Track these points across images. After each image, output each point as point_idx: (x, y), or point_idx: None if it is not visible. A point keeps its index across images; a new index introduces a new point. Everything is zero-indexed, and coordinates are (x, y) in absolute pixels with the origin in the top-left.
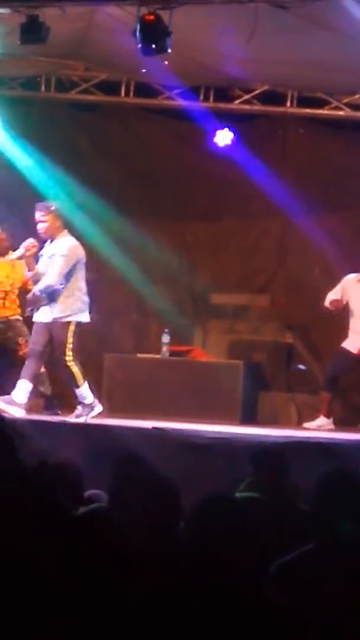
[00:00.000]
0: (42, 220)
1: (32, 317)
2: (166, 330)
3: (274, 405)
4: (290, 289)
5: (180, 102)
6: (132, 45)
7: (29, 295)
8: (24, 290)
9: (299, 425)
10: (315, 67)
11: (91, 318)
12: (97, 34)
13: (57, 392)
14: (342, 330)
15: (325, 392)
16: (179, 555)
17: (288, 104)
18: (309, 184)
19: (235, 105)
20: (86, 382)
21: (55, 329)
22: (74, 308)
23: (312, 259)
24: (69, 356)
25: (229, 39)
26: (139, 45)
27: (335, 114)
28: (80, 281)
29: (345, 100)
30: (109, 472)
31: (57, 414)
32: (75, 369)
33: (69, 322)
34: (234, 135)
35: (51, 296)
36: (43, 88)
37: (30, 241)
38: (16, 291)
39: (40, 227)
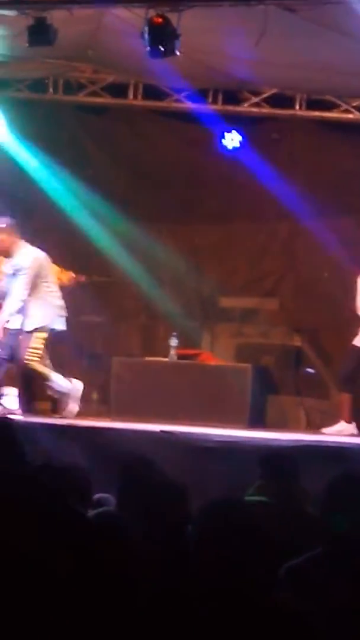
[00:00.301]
0: None
1: None
2: (174, 333)
3: (282, 409)
4: (298, 293)
5: (189, 105)
6: (140, 48)
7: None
8: None
9: (308, 429)
10: (324, 70)
11: (99, 321)
12: (105, 36)
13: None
14: (352, 333)
15: (344, 394)
16: (187, 559)
17: (297, 107)
18: (317, 187)
19: (244, 108)
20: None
21: (24, 338)
22: (45, 317)
23: (320, 262)
24: (32, 360)
25: (238, 41)
26: (147, 48)
27: (344, 117)
28: (50, 286)
29: (354, 104)
30: (117, 476)
31: (66, 417)
32: (39, 367)
33: (35, 330)
34: (242, 138)
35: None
36: (50, 90)
37: None
38: None
39: None
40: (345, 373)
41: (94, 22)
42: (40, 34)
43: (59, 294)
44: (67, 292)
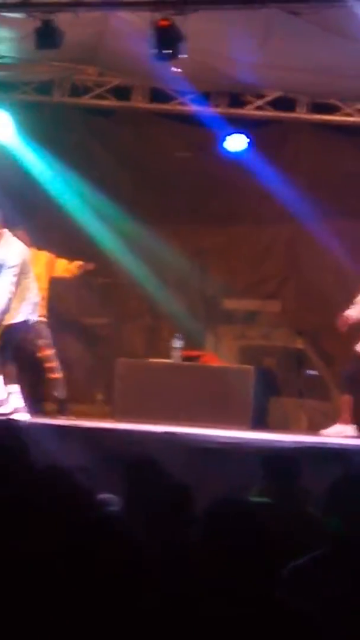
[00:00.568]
0: None
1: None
2: (177, 335)
3: (284, 411)
4: (301, 295)
5: (193, 108)
6: (145, 51)
7: None
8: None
9: (310, 430)
10: (328, 73)
11: (104, 322)
12: (111, 39)
13: (70, 397)
14: (354, 336)
15: (345, 395)
16: (190, 559)
17: (300, 110)
18: (320, 190)
19: (248, 110)
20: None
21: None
22: (22, 314)
23: (323, 264)
24: None
25: (242, 44)
26: (153, 51)
27: (347, 119)
28: (30, 282)
29: (357, 107)
30: (121, 476)
31: (70, 418)
32: None
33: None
34: (246, 141)
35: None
36: (56, 93)
37: None
38: (42, 287)
39: None
40: (347, 374)
41: (100, 25)
42: (47, 36)
43: (36, 290)
44: (73, 293)
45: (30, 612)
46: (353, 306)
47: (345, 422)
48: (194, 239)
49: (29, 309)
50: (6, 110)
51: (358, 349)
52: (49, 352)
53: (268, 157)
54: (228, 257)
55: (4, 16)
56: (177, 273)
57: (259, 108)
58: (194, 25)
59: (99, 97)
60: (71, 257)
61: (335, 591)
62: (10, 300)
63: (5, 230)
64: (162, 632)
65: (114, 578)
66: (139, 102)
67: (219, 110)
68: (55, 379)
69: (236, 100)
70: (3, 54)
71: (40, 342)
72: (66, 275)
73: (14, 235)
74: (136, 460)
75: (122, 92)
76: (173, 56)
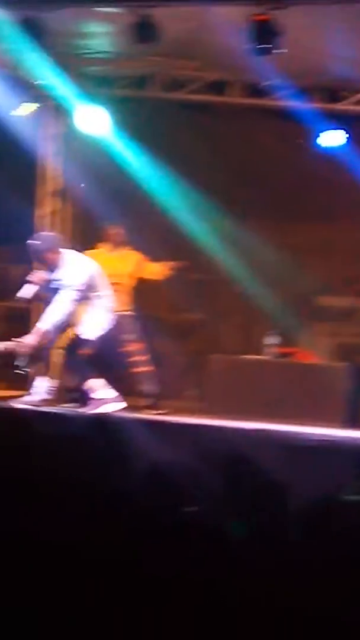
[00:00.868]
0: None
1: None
2: (272, 331)
3: None
4: None
5: (290, 103)
6: (242, 45)
7: None
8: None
9: None
10: None
11: (197, 318)
12: (208, 33)
13: (161, 392)
14: None
15: None
16: (289, 557)
17: None
18: None
19: (344, 105)
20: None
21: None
22: (100, 325)
23: None
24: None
25: (340, 38)
26: (250, 45)
27: None
28: (102, 293)
29: None
30: (216, 473)
31: (162, 414)
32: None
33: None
34: (344, 136)
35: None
36: (153, 88)
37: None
38: (128, 283)
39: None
40: None
41: (197, 19)
42: (144, 31)
43: (111, 300)
44: (167, 288)
45: (132, 611)
46: None
47: None
48: (289, 235)
49: (102, 325)
50: (101, 106)
51: None
52: (135, 346)
53: None
54: (323, 253)
55: (101, 11)
56: (272, 269)
57: (356, 103)
58: (290, 19)
59: (195, 91)
60: (165, 253)
61: None
62: (67, 317)
63: (66, 251)
64: (260, 634)
65: (211, 574)
66: (235, 97)
67: (316, 105)
68: (142, 373)
69: (334, 95)
70: (100, 49)
71: (127, 337)
72: (155, 277)
73: (110, 233)
74: (230, 458)
75: (218, 87)
76: (270, 51)
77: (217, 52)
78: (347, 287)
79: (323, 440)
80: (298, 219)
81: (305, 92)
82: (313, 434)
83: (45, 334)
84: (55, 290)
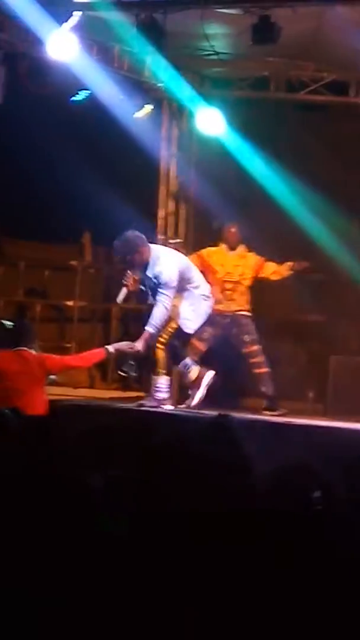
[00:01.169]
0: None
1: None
2: None
3: None
4: None
5: None
6: None
7: None
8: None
9: None
10: None
11: (317, 319)
12: (328, 33)
13: (281, 394)
14: None
15: None
16: None
17: None
18: None
19: None
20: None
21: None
22: (199, 318)
23: None
24: (158, 347)
25: None
26: None
27: None
28: (196, 285)
29: None
30: (338, 476)
31: (280, 415)
32: (160, 355)
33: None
34: None
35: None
36: (272, 89)
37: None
38: (246, 283)
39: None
40: None
41: (317, 20)
42: (264, 32)
43: (206, 288)
44: (287, 289)
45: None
46: None
47: None
48: None
49: (201, 313)
50: (218, 107)
51: None
52: (255, 347)
53: None
54: None
55: (221, 12)
56: None
57: None
58: None
59: (315, 92)
60: (284, 253)
61: None
62: (167, 314)
63: (154, 247)
64: None
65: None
66: (354, 97)
67: None
68: (262, 374)
69: None
70: (219, 50)
71: (246, 337)
72: (274, 278)
73: (228, 232)
74: (352, 460)
75: (338, 87)
76: None
77: (336, 52)
78: None
79: None
80: None
81: None
82: None
83: (152, 336)
84: (152, 289)
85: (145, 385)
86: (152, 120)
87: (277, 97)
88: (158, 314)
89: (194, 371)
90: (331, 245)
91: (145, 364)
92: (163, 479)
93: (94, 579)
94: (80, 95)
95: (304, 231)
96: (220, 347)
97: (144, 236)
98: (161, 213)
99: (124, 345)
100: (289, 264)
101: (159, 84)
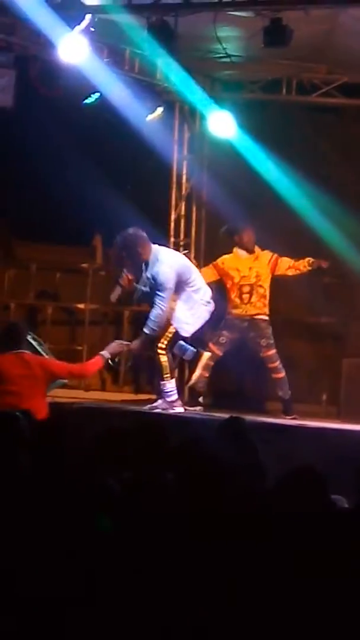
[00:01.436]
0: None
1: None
2: None
3: None
4: None
5: None
6: None
7: None
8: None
9: None
10: None
11: (330, 322)
12: (340, 36)
13: (294, 396)
14: None
15: None
16: None
17: None
18: None
19: None
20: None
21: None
22: (198, 320)
23: None
24: (159, 353)
25: None
26: None
27: None
28: (195, 286)
29: None
30: (350, 478)
31: (296, 418)
32: (163, 360)
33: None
34: None
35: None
36: (284, 91)
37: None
38: (265, 285)
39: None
40: None
41: (329, 23)
42: (275, 34)
43: (207, 293)
44: (299, 291)
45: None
46: None
47: None
48: None
49: (199, 317)
50: (228, 110)
51: None
52: (272, 352)
53: None
54: None
55: (232, 15)
56: None
57: None
58: None
59: (327, 94)
60: (296, 255)
61: None
62: (164, 315)
63: (154, 247)
64: None
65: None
66: None
67: None
68: (279, 379)
69: None
70: (231, 53)
71: (263, 341)
72: (290, 273)
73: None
74: None
75: (350, 90)
76: None
77: (348, 55)
78: None
79: None
80: None
81: None
82: None
83: (149, 338)
84: (150, 289)
85: (156, 388)
86: (163, 123)
87: (289, 100)
88: (154, 316)
89: (190, 353)
90: (342, 247)
91: (152, 368)
92: (177, 481)
93: (105, 579)
94: (92, 98)
95: (316, 233)
96: (238, 350)
97: (145, 235)
98: (173, 215)
99: (116, 346)
100: (308, 259)
101: (171, 87)
